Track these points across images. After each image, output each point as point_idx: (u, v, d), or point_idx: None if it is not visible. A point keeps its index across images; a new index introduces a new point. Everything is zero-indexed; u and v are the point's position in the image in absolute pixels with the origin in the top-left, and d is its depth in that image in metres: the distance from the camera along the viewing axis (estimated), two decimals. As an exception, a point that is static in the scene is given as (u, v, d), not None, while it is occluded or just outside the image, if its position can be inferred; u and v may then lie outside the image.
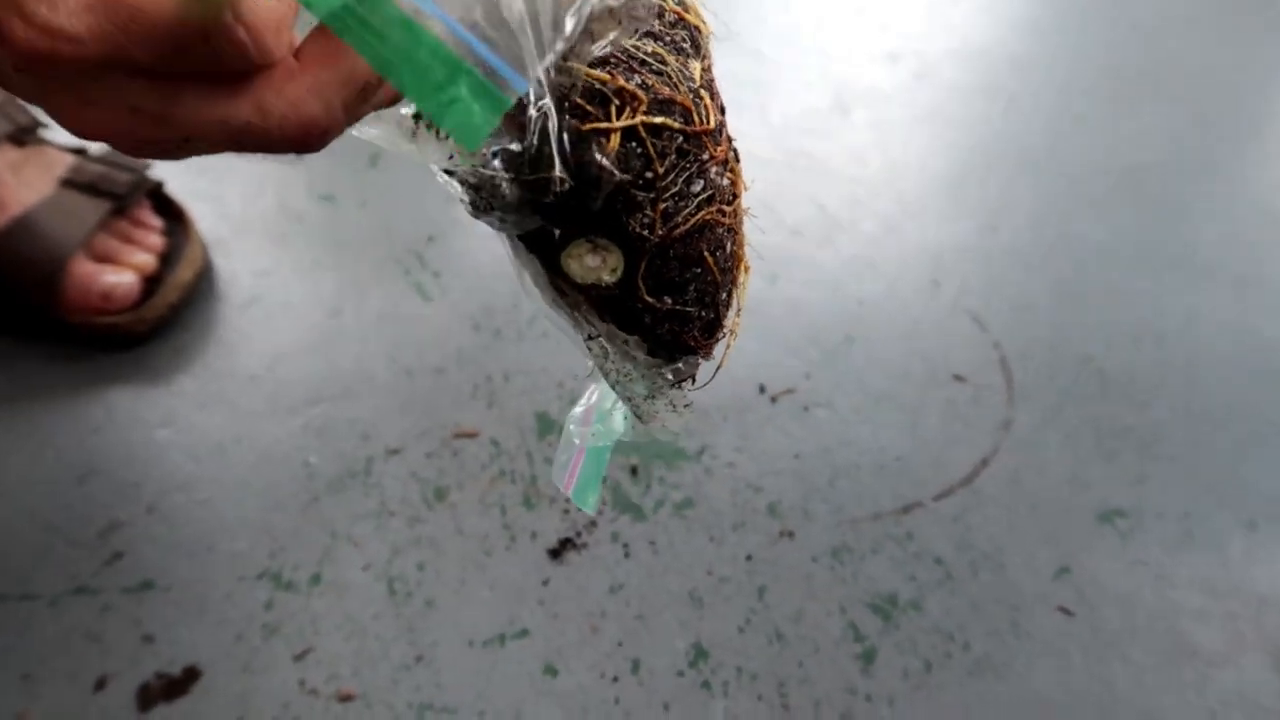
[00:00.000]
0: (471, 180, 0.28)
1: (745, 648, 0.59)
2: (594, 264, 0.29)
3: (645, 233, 0.29)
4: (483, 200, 0.29)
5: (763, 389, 0.73)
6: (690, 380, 0.34)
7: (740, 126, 0.35)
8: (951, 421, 0.72)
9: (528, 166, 0.27)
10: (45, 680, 0.56)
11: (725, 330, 0.34)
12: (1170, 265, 0.83)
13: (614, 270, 0.29)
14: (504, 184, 0.28)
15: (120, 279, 0.73)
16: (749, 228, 0.35)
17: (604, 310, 0.31)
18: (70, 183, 0.75)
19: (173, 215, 0.80)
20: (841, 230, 0.86)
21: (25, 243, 0.71)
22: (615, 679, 0.57)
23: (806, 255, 0.84)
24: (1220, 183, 0.93)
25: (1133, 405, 0.73)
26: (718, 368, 0.37)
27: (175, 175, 0.81)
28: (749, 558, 0.63)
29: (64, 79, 0.23)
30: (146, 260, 0.75)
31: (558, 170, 0.27)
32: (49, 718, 0.54)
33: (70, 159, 0.76)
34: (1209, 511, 0.66)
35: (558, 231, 0.29)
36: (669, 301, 0.31)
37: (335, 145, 0.27)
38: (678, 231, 0.29)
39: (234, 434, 0.69)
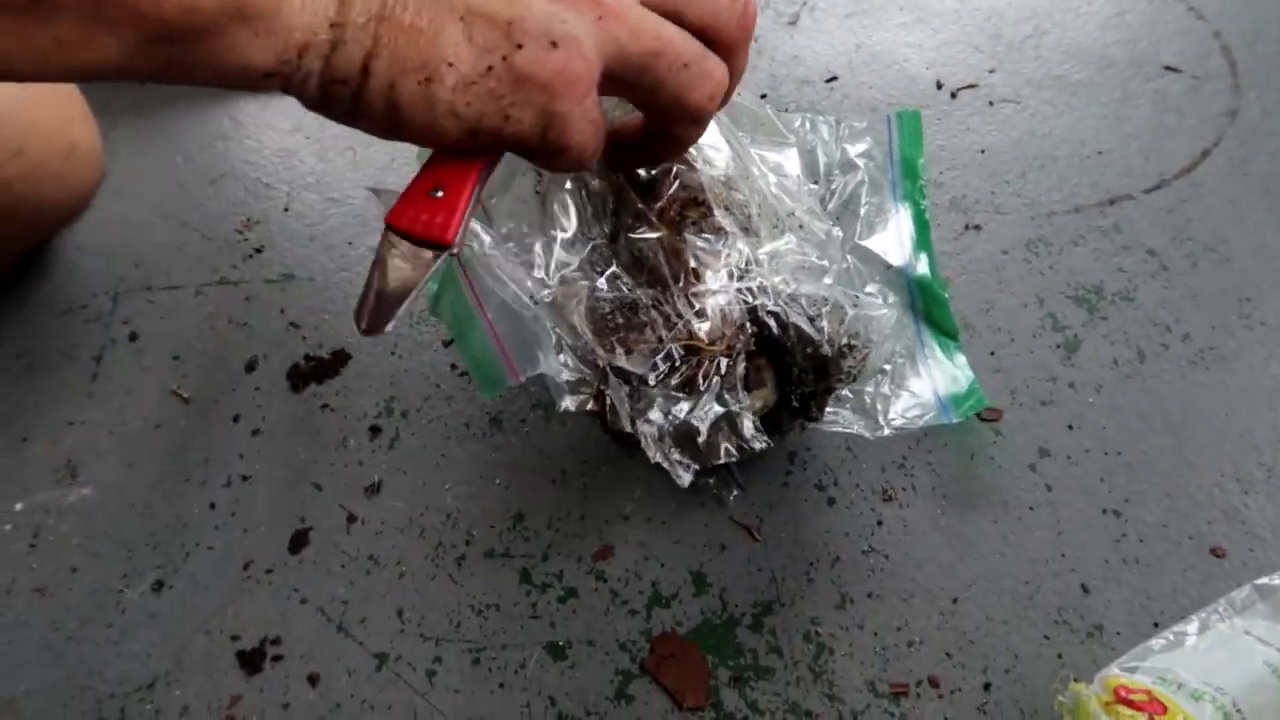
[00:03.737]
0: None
1: (929, 338, 0.53)
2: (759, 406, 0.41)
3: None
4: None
5: (940, 85, 0.65)
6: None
7: None
8: (1164, 113, 0.62)
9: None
10: (195, 361, 0.54)
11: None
12: None
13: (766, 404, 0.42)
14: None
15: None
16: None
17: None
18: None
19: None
20: (1025, -78, 0.75)
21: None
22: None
23: (984, -50, 0.73)
24: None
25: (1389, 88, 0.62)
26: None
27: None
28: (929, 251, 0.56)
29: None
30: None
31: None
32: (202, 396, 0.53)
33: None
34: None
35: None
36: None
37: None
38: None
39: (364, 137, 0.65)
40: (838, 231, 0.46)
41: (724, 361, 0.39)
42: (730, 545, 0.46)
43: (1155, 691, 0.37)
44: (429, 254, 0.33)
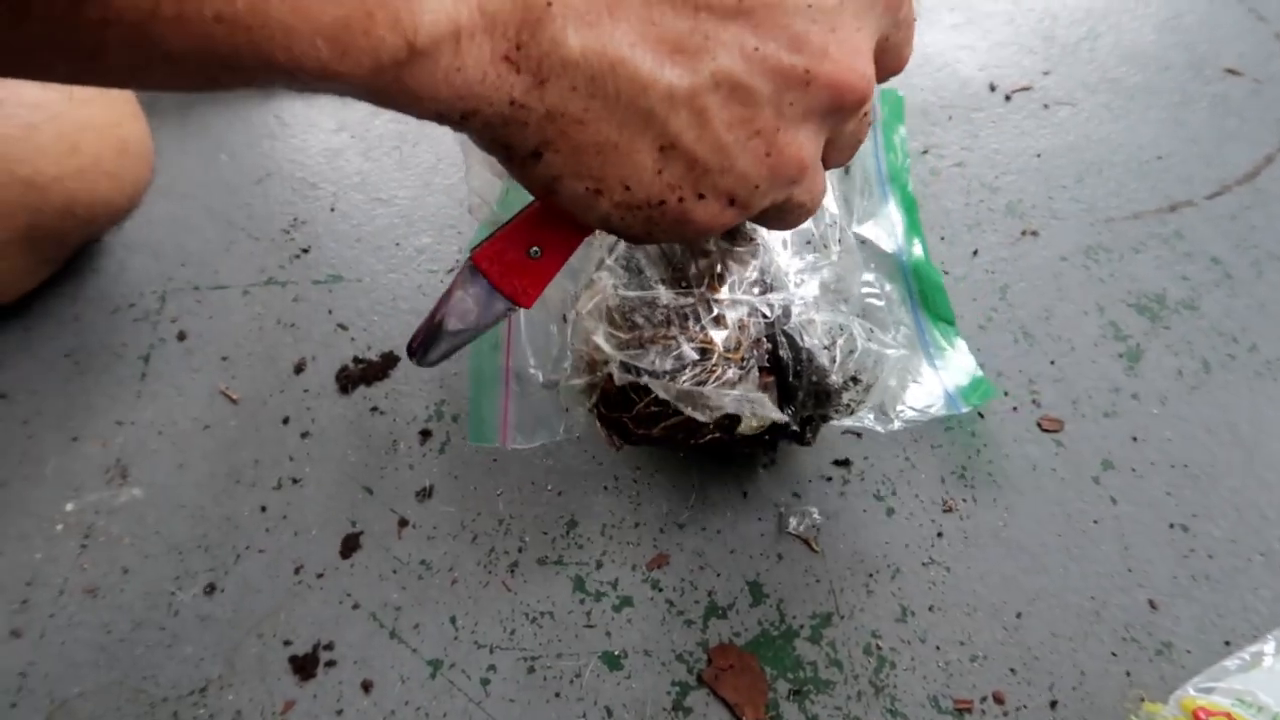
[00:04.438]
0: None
1: (990, 346, 0.52)
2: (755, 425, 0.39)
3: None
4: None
5: (993, 87, 0.64)
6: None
7: None
8: (1225, 117, 0.61)
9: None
10: (243, 361, 0.54)
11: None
12: None
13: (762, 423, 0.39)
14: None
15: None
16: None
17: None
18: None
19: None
20: (1077, -78, 0.74)
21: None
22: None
23: (1036, -50, 0.72)
24: None
25: None
26: None
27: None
28: (975, 253, 0.55)
29: None
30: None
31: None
32: (250, 397, 0.52)
33: None
34: None
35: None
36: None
37: None
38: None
39: (411, 136, 0.65)
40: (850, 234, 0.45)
41: (735, 371, 0.38)
42: (787, 555, 0.46)
43: (1235, 714, 0.36)
44: (501, 307, 0.33)
